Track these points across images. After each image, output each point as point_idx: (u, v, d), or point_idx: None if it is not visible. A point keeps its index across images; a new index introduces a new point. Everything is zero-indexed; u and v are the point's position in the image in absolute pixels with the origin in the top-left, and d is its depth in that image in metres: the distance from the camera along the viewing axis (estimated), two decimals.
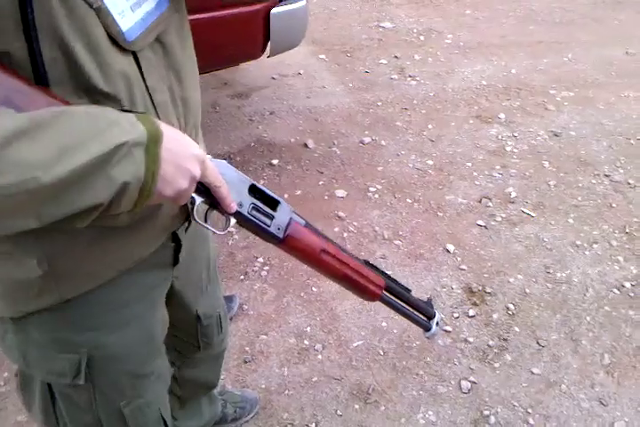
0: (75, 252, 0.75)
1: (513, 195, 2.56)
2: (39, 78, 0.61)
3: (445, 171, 2.70)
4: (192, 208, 0.78)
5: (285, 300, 2.02)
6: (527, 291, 2.12)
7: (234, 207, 0.79)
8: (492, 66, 3.65)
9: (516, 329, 1.98)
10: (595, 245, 2.32)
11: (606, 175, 2.72)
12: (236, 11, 2.07)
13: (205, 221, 0.82)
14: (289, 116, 3.04)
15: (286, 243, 0.88)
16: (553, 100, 3.31)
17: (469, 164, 2.75)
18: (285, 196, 2.48)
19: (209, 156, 0.76)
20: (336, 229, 2.32)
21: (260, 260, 2.16)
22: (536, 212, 2.48)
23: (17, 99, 0.59)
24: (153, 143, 0.63)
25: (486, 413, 1.72)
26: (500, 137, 2.96)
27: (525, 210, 2.49)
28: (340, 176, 2.63)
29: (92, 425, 0.95)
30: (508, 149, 2.87)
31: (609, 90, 3.43)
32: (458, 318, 2.00)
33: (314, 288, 2.07)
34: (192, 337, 1.21)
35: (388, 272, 1.09)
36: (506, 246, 2.30)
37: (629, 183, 2.67)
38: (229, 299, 1.95)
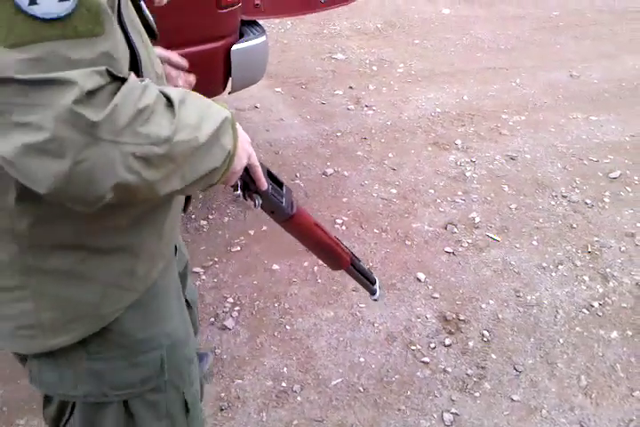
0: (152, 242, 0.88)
1: (477, 220, 2.59)
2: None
3: (409, 199, 2.72)
4: (238, 185, 0.89)
5: (259, 340, 1.97)
6: (500, 316, 2.13)
7: (266, 186, 0.91)
8: (444, 93, 3.73)
9: (493, 356, 1.98)
10: (560, 266, 2.36)
11: (564, 196, 2.78)
12: (197, 48, 2.06)
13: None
14: None
15: (294, 218, 1.00)
16: (506, 125, 3.39)
17: (432, 191, 2.78)
18: (251, 232, 2.45)
19: None
20: (305, 264, 2.29)
21: (230, 300, 2.11)
22: (501, 236, 2.52)
23: None
24: (235, 122, 0.77)
25: None
26: (458, 163, 3.01)
27: (490, 234, 2.52)
28: (306, 209, 2.61)
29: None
30: (468, 174, 2.92)
31: (558, 112, 3.55)
32: (435, 348, 1.99)
33: (287, 326, 2.03)
34: None
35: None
36: (475, 272, 2.31)
37: (587, 203, 2.74)
38: (200, 357, 1.85)
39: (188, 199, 1.02)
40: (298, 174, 2.85)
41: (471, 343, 2.02)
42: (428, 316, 2.11)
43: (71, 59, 0.57)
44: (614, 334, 2.08)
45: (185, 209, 1.02)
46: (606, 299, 2.22)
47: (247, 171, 0.87)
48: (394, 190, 2.77)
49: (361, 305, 2.13)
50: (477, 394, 1.85)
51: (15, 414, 1.68)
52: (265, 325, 2.03)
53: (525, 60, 4.25)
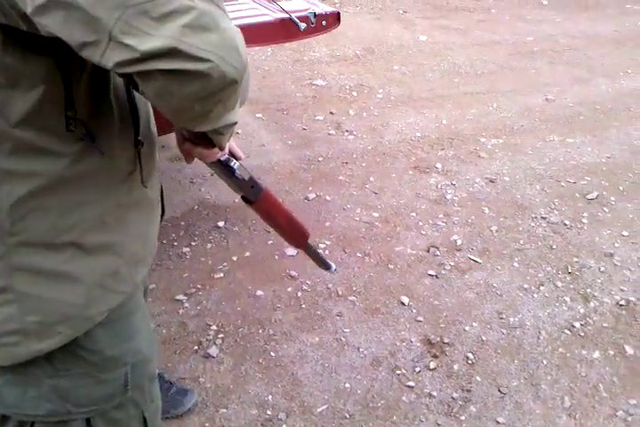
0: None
1: (459, 242, 2.62)
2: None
3: (392, 222, 2.74)
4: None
5: (244, 368, 1.96)
6: (484, 338, 2.14)
7: (242, 156, 1.08)
8: (423, 118, 3.80)
9: (478, 378, 1.98)
10: (542, 288, 2.39)
11: (543, 217, 2.83)
12: None
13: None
14: None
15: (266, 192, 1.12)
16: (484, 148, 3.45)
17: (414, 214, 2.81)
18: (234, 258, 2.45)
19: None
20: (289, 289, 2.29)
21: (214, 327, 2.10)
22: (482, 258, 2.54)
23: None
24: None
25: None
26: (439, 186, 3.05)
27: (472, 256, 2.54)
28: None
29: None
30: (449, 197, 2.95)
31: (535, 135, 3.62)
32: (420, 372, 1.99)
33: (272, 353, 2.02)
34: None
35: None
36: (458, 295, 2.33)
37: (566, 224, 2.78)
38: (183, 393, 1.79)
39: (163, 211, 1.06)
40: (280, 199, 2.86)
41: (456, 366, 2.02)
42: (412, 339, 2.12)
43: None
44: (596, 354, 2.10)
45: (162, 217, 1.06)
46: (587, 319, 2.25)
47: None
48: (376, 214, 2.80)
49: (345, 330, 2.13)
50: (463, 418, 1.85)
51: None
52: (249, 352, 2.02)
53: (502, 85, 4.35)
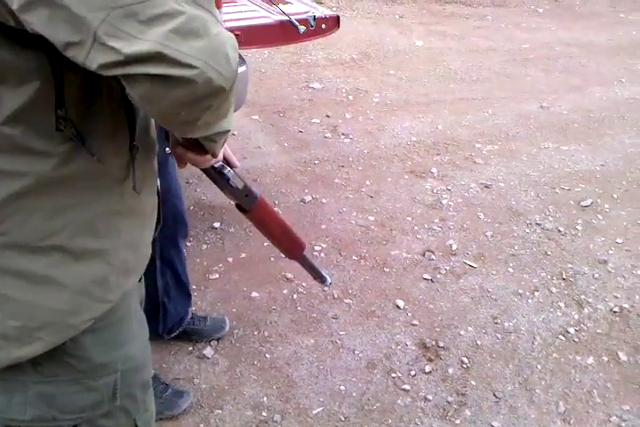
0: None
1: (454, 247, 2.62)
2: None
3: (387, 226, 2.74)
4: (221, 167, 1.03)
5: (238, 369, 1.95)
6: (478, 343, 2.14)
7: (238, 164, 1.10)
8: (419, 122, 3.81)
9: (473, 382, 1.99)
10: (536, 293, 2.40)
11: (538, 224, 2.84)
12: None
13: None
14: None
15: (260, 202, 1.11)
16: (480, 154, 3.47)
17: (409, 218, 2.82)
18: (230, 259, 2.44)
19: None
20: (285, 292, 2.29)
21: None
22: (477, 263, 2.55)
23: None
24: None
25: None
26: (435, 191, 3.06)
27: (467, 261, 2.55)
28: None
29: None
30: (444, 202, 2.96)
31: (530, 142, 3.65)
32: (415, 375, 1.99)
33: (267, 355, 2.01)
34: None
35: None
36: (453, 299, 2.33)
37: (560, 231, 2.80)
38: (179, 394, 1.79)
39: (159, 221, 1.03)
40: (276, 202, 2.86)
41: (451, 370, 2.02)
42: (407, 343, 2.12)
43: None
44: (590, 360, 2.11)
45: (156, 228, 1.02)
46: (582, 325, 2.26)
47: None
48: (372, 218, 2.80)
49: (341, 333, 2.13)
50: (458, 422, 1.85)
51: None
52: (244, 353, 2.01)
53: (497, 92, 4.38)
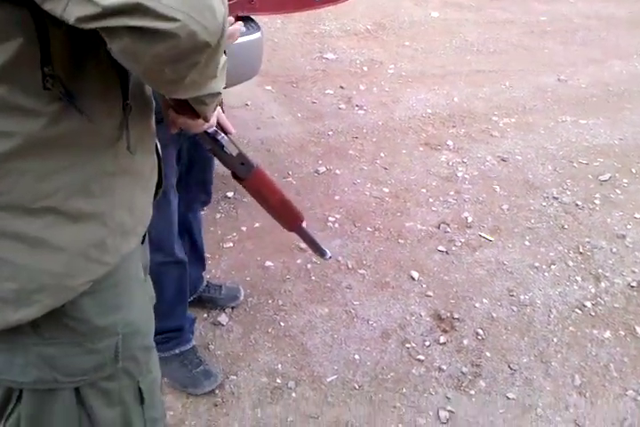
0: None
1: (469, 220, 2.59)
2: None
3: (402, 198, 2.71)
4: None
5: (253, 337, 1.94)
6: (494, 315, 2.13)
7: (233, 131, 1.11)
8: (434, 94, 3.74)
9: (487, 354, 1.97)
10: (553, 267, 2.37)
11: (555, 197, 2.80)
12: None
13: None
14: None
15: (257, 171, 1.12)
16: (496, 127, 3.41)
17: (424, 190, 2.78)
18: (244, 229, 2.42)
19: None
20: (299, 261, 2.27)
21: None
22: (493, 235, 2.52)
23: None
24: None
25: None
26: (450, 163, 3.01)
27: (483, 234, 2.52)
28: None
29: (119, 417, 0.96)
30: (460, 174, 2.92)
31: (547, 115, 3.58)
32: (429, 346, 1.98)
33: (281, 323, 2.00)
34: None
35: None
36: (468, 271, 2.31)
37: (577, 204, 2.75)
38: (208, 374, 1.76)
39: (159, 185, 1.00)
40: (290, 172, 2.83)
41: (465, 342, 2.01)
42: (422, 314, 2.10)
43: None
44: (607, 334, 2.09)
45: (156, 195, 1.00)
46: (598, 299, 2.23)
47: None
48: (386, 189, 2.76)
49: (355, 302, 2.12)
50: (472, 392, 1.84)
51: None
52: (259, 321, 2.00)
53: (514, 64, 4.28)
